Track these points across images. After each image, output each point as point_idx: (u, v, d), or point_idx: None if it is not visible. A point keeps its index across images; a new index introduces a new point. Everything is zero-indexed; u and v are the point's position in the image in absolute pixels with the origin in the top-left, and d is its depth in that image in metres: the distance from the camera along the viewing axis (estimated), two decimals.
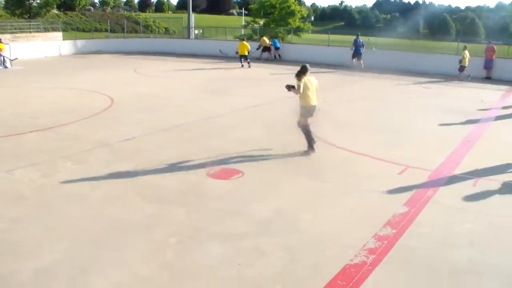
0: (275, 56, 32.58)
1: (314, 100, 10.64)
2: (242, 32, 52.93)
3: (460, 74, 24.61)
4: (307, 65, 10.54)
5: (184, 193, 8.33)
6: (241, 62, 28.30)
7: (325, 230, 7.05)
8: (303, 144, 10.87)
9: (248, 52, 28.33)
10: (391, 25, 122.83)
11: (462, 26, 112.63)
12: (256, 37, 40.49)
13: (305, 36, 50.46)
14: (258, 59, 31.18)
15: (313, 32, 54.31)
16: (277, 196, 8.35)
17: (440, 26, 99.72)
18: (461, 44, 27.26)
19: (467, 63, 24.55)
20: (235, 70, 26.86)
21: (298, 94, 10.44)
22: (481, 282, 5.82)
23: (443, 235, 7.04)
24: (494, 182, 9.39)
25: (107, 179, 8.94)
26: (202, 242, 6.55)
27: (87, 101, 16.46)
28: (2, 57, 26.28)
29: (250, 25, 55.52)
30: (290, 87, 10.49)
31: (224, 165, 9.84)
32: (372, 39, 33.51)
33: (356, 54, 28.04)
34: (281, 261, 6.10)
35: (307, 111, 10.67)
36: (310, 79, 10.55)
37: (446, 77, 25.00)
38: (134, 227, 6.96)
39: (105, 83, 20.62)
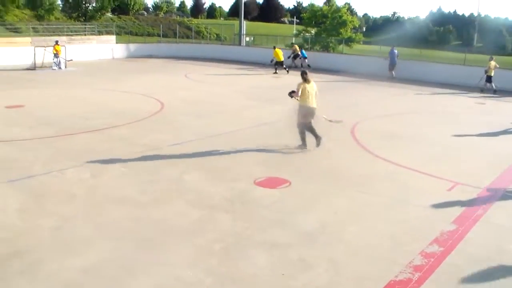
0: (301, 65, 32.75)
1: (313, 103, 11.48)
2: (293, 41, 52.99)
3: (486, 85, 24.04)
4: (306, 71, 11.57)
5: (230, 200, 8.35)
6: (276, 70, 28.66)
7: (370, 244, 6.96)
8: (349, 156, 10.83)
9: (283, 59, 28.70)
10: (445, 38, 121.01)
11: None
12: (307, 46, 40.40)
13: (356, 46, 50.09)
14: (290, 67, 31.38)
15: (364, 43, 53.80)
16: (324, 207, 8.29)
17: (495, 39, 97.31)
18: None
19: (492, 74, 24.08)
20: (284, 78, 26.82)
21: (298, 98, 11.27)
22: None
23: (492, 254, 6.84)
24: None
25: (155, 182, 9.05)
26: (246, 250, 6.56)
27: (138, 105, 16.74)
28: (58, 59, 26.99)
29: (302, 34, 55.44)
30: (291, 93, 11.40)
31: (271, 174, 9.84)
32: (424, 51, 32.88)
33: (392, 65, 28.08)
34: (325, 273, 6.05)
35: (306, 111, 11.46)
36: (310, 84, 11.49)
37: (498, 92, 24.26)
38: (179, 231, 7.02)
39: (156, 87, 20.95)
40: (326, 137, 12.62)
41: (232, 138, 12.73)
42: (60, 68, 26.96)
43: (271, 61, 29.09)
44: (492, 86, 23.91)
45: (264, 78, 26.88)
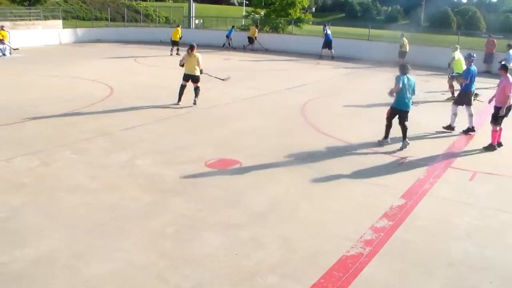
0: (229, 44, 33.57)
1: (188, 70, 14.40)
2: (243, 23, 52.82)
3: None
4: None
5: (181, 183, 8.36)
6: (171, 51, 28.45)
7: (322, 221, 7.10)
8: (301, 135, 10.98)
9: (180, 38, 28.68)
10: (392, 18, 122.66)
11: (463, 20, 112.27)
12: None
13: (306, 27, 50.19)
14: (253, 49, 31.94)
15: (314, 23, 53.95)
16: (275, 186, 8.39)
17: (441, 19, 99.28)
18: (462, 38, 27.18)
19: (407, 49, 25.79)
20: (235, 59, 26.80)
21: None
22: (476, 275, 5.86)
23: (440, 227, 7.08)
24: (492, 175, 9.45)
25: (106, 168, 8.97)
26: (199, 231, 6.60)
27: (87, 90, 16.46)
28: (4, 46, 26.17)
29: (251, 16, 55.22)
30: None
31: (222, 155, 9.88)
32: (372, 31, 33.30)
33: (327, 43, 29.22)
34: (278, 251, 6.15)
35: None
36: (192, 56, 14.35)
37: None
38: (132, 216, 7.00)
39: (105, 72, 20.61)
40: (274, 116, 12.80)
41: (182, 121, 12.70)
42: (4, 55, 26.15)
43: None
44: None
45: (213, 61, 26.74)
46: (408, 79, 10.75)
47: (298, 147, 10.67)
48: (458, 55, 17.08)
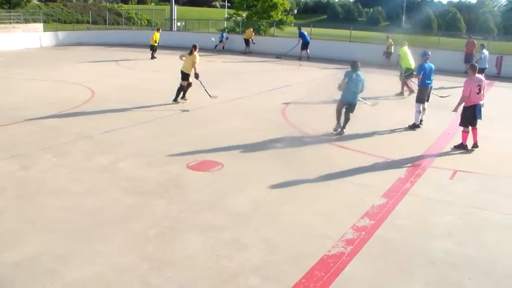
0: (223, 47, 33.77)
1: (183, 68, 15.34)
2: (225, 25, 52.81)
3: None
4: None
5: (163, 185, 8.34)
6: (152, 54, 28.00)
7: (304, 222, 7.13)
8: (284, 137, 11.13)
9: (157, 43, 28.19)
10: (374, 20, 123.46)
11: (443, 21, 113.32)
12: (238, 30, 40.42)
13: (287, 29, 50.38)
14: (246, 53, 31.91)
15: (296, 25, 54.17)
16: (257, 187, 8.40)
17: (422, 20, 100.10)
18: (443, 39, 27.49)
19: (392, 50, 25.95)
20: (217, 62, 26.77)
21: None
22: (457, 273, 5.92)
23: (420, 226, 7.16)
24: (472, 174, 9.55)
25: (87, 171, 8.92)
26: (181, 233, 6.60)
27: (68, 93, 16.36)
28: None
29: (233, 18, 55.29)
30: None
31: (204, 157, 9.87)
32: (354, 33, 33.53)
33: (304, 45, 29.58)
34: (260, 252, 6.17)
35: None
36: (192, 55, 14.95)
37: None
38: (114, 219, 6.97)
39: (87, 76, 20.48)
40: (256, 118, 12.86)
41: (164, 123, 12.67)
42: None
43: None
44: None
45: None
46: (357, 75, 11.76)
47: (280, 149, 10.73)
48: (405, 51, 17.53)
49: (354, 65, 11.87)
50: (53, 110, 13.51)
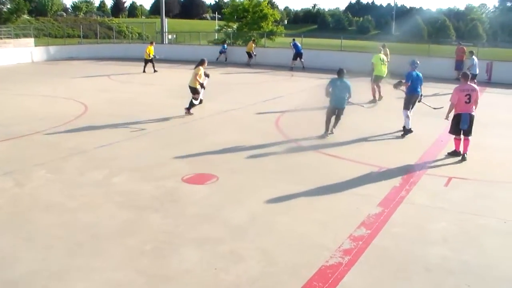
0: (225, 59, 33.89)
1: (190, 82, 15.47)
2: (216, 37, 52.94)
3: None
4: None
5: (159, 199, 8.32)
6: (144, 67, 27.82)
7: (301, 232, 7.12)
8: (277, 148, 11.14)
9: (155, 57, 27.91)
10: (364, 29, 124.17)
11: (433, 28, 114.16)
12: (229, 41, 40.48)
13: (278, 39, 50.59)
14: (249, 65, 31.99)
15: (286, 35, 54.35)
16: (253, 199, 8.39)
17: (412, 28, 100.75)
18: (433, 46, 27.63)
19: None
20: (211, 75, 26.72)
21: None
22: (454, 279, 5.93)
23: (416, 234, 7.17)
24: (467, 180, 9.59)
25: (82, 186, 8.89)
26: (177, 247, 6.57)
27: (61, 108, 16.33)
28: None
29: (224, 29, 55.47)
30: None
31: (199, 170, 9.86)
32: (344, 42, 33.67)
33: (297, 55, 29.95)
34: (257, 264, 6.15)
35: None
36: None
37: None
38: (110, 234, 6.94)
39: (79, 90, 20.45)
40: (250, 129, 12.89)
41: (158, 137, 12.65)
42: None
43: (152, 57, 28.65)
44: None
45: (187, 76, 26.70)
46: (341, 81, 12.58)
47: (274, 159, 10.74)
48: (378, 58, 17.79)
49: (339, 72, 12.72)
50: (46, 125, 13.46)
